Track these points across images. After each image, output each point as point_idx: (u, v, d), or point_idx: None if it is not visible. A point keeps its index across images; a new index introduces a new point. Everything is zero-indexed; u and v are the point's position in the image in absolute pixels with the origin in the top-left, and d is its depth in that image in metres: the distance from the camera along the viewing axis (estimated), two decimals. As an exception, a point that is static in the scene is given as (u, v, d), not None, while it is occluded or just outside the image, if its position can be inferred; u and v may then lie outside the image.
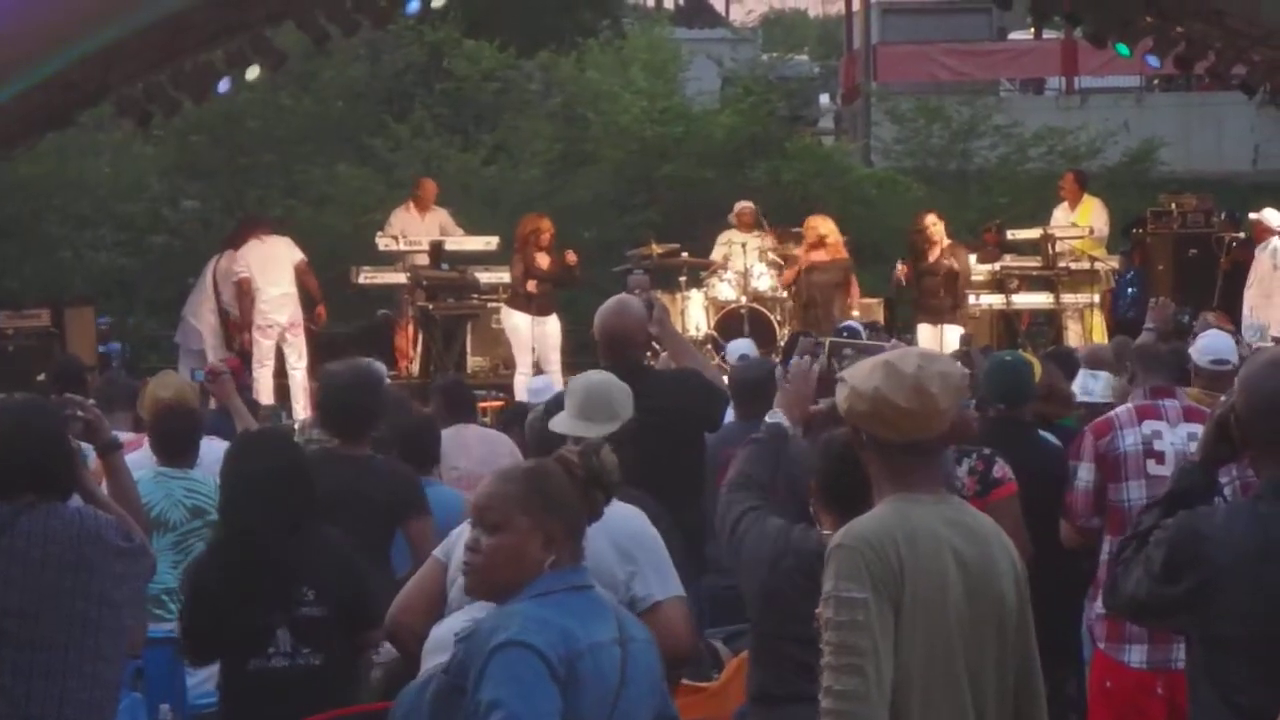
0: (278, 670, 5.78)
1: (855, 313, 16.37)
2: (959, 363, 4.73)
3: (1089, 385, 8.63)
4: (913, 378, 4.22)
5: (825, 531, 4.36)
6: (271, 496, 5.88)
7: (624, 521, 5.18)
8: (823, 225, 17.12)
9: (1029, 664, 4.35)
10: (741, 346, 13.34)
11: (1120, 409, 7.01)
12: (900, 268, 16.75)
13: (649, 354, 8.29)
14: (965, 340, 15.50)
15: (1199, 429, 6.62)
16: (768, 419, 5.69)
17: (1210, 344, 8.77)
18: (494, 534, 4.08)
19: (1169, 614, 4.17)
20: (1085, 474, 6.89)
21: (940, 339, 15.70)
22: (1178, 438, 6.80)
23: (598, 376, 6.45)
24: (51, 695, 4.89)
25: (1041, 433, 7.71)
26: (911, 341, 15.62)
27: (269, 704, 5.69)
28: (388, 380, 10.17)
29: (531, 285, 15.69)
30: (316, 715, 5.50)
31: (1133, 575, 4.15)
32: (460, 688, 3.95)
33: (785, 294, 17.04)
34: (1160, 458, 6.77)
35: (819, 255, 16.86)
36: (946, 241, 16.43)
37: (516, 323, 15.90)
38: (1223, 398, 6.37)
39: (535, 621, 3.94)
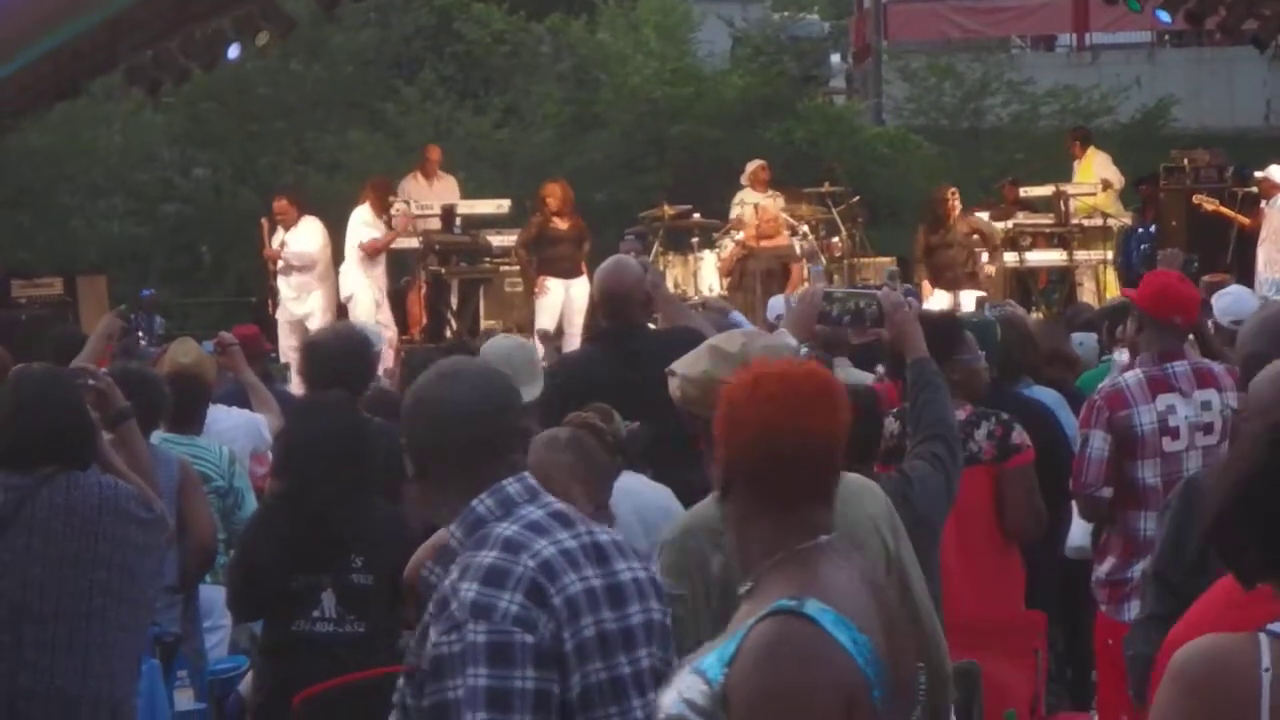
0: (321, 635, 5.78)
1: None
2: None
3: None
4: (739, 355, 4.29)
5: None
6: (329, 461, 5.87)
7: (654, 497, 5.30)
8: (771, 208, 16.77)
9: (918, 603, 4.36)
10: (780, 305, 13.06)
11: (1130, 380, 6.59)
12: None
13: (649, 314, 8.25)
14: (980, 303, 15.47)
15: (1212, 395, 6.54)
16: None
17: (1231, 305, 8.54)
18: None
19: (1189, 589, 4.17)
20: (1099, 441, 6.48)
21: (956, 305, 15.65)
22: (1191, 410, 6.59)
23: (504, 342, 6.61)
24: (74, 666, 4.89)
25: (1027, 392, 7.57)
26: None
27: (310, 667, 5.66)
28: (378, 340, 10.15)
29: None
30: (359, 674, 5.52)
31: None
32: None
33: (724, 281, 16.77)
34: (1175, 433, 6.53)
35: (763, 243, 16.61)
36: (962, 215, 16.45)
37: (546, 286, 15.97)
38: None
39: None
